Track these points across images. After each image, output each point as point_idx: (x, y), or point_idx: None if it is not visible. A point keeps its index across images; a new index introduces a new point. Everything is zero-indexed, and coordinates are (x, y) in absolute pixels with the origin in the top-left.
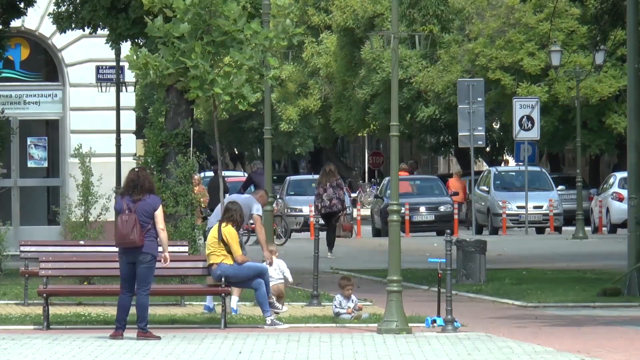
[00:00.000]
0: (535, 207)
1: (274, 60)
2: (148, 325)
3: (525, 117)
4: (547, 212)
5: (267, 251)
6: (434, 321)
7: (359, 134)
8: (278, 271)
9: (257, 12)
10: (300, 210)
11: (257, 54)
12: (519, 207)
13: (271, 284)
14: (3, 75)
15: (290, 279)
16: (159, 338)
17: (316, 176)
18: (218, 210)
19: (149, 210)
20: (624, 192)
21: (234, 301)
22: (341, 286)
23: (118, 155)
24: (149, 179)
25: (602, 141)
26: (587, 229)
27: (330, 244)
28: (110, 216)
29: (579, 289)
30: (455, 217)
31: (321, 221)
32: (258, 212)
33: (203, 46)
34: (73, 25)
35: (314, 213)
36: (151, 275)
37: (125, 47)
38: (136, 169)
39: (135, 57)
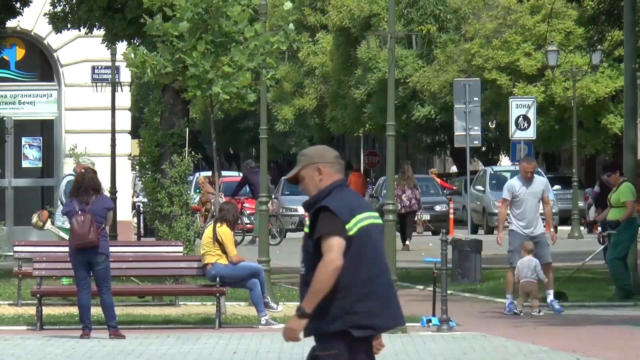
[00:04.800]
0: None
1: (272, 61)
2: (142, 325)
3: (521, 116)
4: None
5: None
6: (429, 321)
7: (355, 134)
8: (531, 269)
9: (256, 15)
10: (296, 210)
11: (257, 56)
12: None
13: (522, 281)
14: None
15: (544, 279)
16: (124, 337)
17: None
18: None
19: (102, 210)
20: None
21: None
22: None
23: (113, 155)
24: (95, 179)
25: (598, 141)
26: (582, 228)
27: (409, 236)
28: None
29: (575, 289)
30: (451, 216)
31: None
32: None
33: (203, 45)
34: (69, 25)
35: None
36: (109, 273)
37: (121, 47)
38: (82, 170)
39: (132, 55)
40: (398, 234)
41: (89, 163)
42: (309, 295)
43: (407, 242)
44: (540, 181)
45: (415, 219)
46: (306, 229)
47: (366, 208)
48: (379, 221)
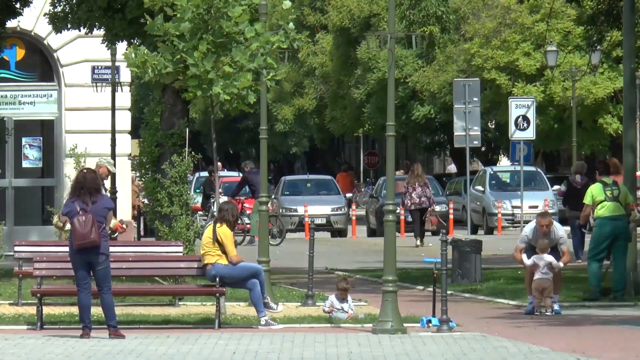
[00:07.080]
0: (530, 207)
1: (273, 61)
2: (142, 325)
3: (521, 116)
4: (543, 211)
5: None
6: (429, 321)
7: (354, 134)
8: (548, 265)
9: (256, 14)
10: (295, 210)
11: (258, 57)
12: (514, 207)
13: (536, 277)
14: None
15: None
16: (124, 337)
17: (311, 176)
18: None
19: (102, 209)
20: None
21: None
22: (338, 287)
23: (113, 155)
24: (97, 179)
25: (595, 142)
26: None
27: (421, 235)
28: None
29: (575, 289)
30: (451, 217)
31: (409, 217)
32: None
33: (205, 45)
34: (69, 26)
35: (403, 210)
36: (110, 273)
37: (121, 47)
38: (84, 170)
39: (133, 55)
40: (397, 234)
41: (106, 163)
42: None
43: (419, 241)
44: (555, 234)
45: (425, 217)
46: None
47: None
48: None
